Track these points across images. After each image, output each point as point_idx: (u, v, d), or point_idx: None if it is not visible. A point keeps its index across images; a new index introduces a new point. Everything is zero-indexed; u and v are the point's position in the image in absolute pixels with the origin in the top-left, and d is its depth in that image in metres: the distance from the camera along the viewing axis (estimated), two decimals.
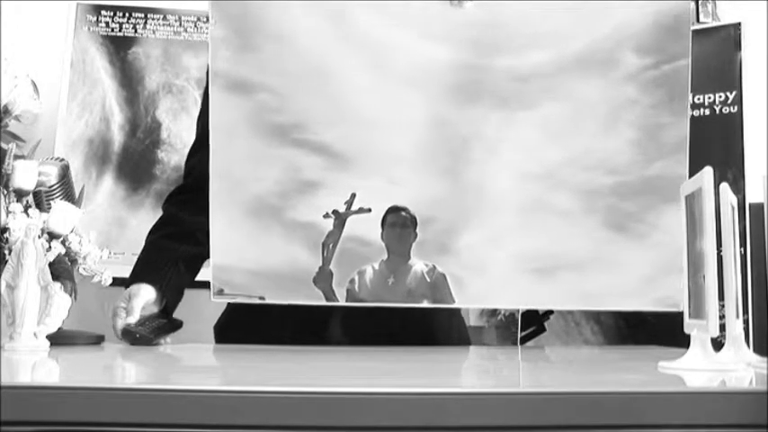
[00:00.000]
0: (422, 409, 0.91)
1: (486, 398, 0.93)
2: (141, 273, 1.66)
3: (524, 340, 2.21)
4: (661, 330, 1.58)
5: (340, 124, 1.57)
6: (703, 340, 1.17)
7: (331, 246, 1.57)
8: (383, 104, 1.58)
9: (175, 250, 1.68)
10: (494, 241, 1.59)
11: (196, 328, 1.69)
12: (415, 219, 1.58)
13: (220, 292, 1.56)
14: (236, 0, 1.55)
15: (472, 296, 1.61)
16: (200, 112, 1.82)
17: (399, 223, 1.58)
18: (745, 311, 1.92)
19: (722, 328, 1.15)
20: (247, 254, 1.56)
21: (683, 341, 1.22)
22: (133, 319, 1.57)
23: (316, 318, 1.64)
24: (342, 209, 1.57)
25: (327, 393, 0.91)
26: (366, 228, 1.57)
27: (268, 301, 1.56)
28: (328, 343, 1.66)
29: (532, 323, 2.20)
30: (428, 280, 1.58)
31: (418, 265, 1.59)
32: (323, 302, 1.57)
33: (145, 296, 1.61)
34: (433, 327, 1.74)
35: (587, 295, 1.61)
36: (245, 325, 1.61)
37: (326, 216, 1.57)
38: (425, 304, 1.59)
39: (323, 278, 1.56)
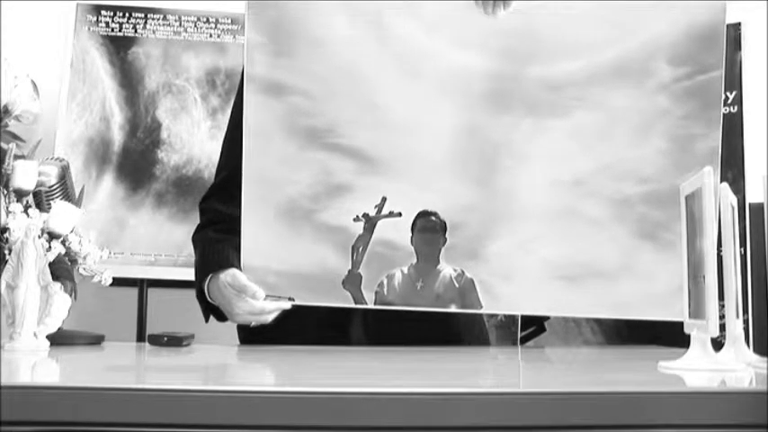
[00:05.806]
0: (422, 409, 0.91)
1: (486, 398, 0.93)
2: (215, 260, 1.62)
3: (524, 340, 2.21)
4: (661, 330, 1.58)
5: (372, 129, 1.58)
6: (703, 340, 1.17)
7: (361, 249, 1.58)
8: (415, 110, 1.59)
9: (230, 240, 1.62)
10: (523, 248, 1.59)
11: (220, 328, 1.68)
12: (444, 224, 1.58)
13: None
14: (273, 0, 1.56)
15: (500, 302, 1.61)
16: (231, 115, 1.78)
17: (429, 228, 1.59)
18: (745, 311, 1.92)
19: (722, 328, 1.15)
20: (278, 255, 1.57)
21: (683, 341, 1.22)
22: (261, 297, 1.54)
23: (339, 319, 1.64)
24: (372, 213, 1.58)
25: (327, 393, 0.91)
26: (396, 232, 1.58)
27: (297, 302, 1.57)
28: (351, 343, 1.65)
29: (532, 323, 2.20)
30: (456, 285, 1.59)
31: (447, 270, 1.59)
32: (351, 305, 1.58)
33: (241, 276, 1.56)
34: (455, 328, 1.72)
35: (616, 304, 1.61)
36: (270, 325, 1.60)
37: (357, 219, 1.58)
38: (453, 309, 1.60)
39: (352, 281, 1.57)
